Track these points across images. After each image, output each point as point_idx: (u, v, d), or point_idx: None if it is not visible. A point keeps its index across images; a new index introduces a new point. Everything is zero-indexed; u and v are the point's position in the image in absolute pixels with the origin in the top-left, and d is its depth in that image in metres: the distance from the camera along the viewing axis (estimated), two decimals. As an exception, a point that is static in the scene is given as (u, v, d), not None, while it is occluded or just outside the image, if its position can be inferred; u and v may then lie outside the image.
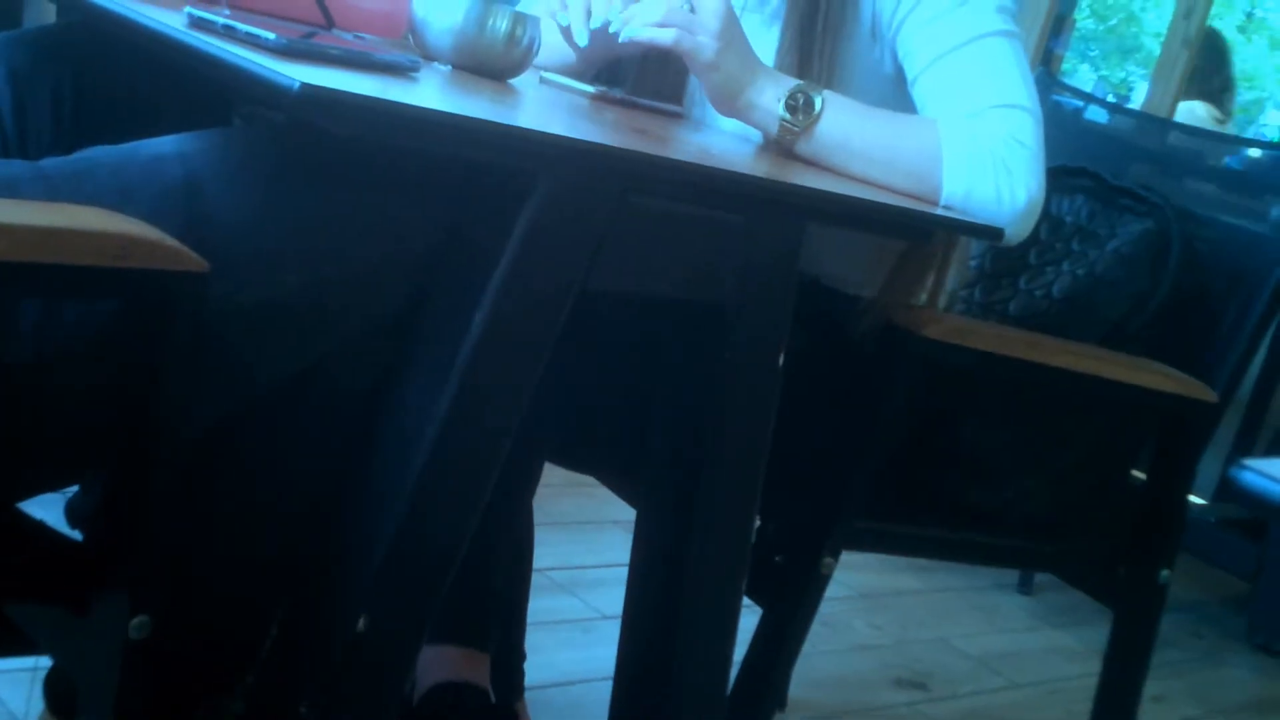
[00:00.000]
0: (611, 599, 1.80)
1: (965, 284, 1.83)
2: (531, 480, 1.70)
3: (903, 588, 2.84)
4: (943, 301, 1.73)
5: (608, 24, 1.40)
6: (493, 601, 1.70)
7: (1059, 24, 4.17)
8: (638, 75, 1.60)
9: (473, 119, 1.00)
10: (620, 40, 1.39)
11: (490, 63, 1.31)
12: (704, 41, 1.36)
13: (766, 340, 1.31)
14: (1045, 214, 1.65)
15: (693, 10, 1.36)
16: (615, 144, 1.14)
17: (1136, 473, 1.79)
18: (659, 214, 1.16)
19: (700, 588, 1.38)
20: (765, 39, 1.50)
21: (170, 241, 0.91)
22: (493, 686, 1.66)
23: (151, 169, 1.03)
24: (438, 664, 1.63)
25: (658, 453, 1.41)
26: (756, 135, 1.45)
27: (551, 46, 1.49)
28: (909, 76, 1.46)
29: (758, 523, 1.43)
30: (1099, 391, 1.61)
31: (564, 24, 1.43)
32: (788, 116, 1.38)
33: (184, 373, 0.96)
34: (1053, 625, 2.86)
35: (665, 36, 1.37)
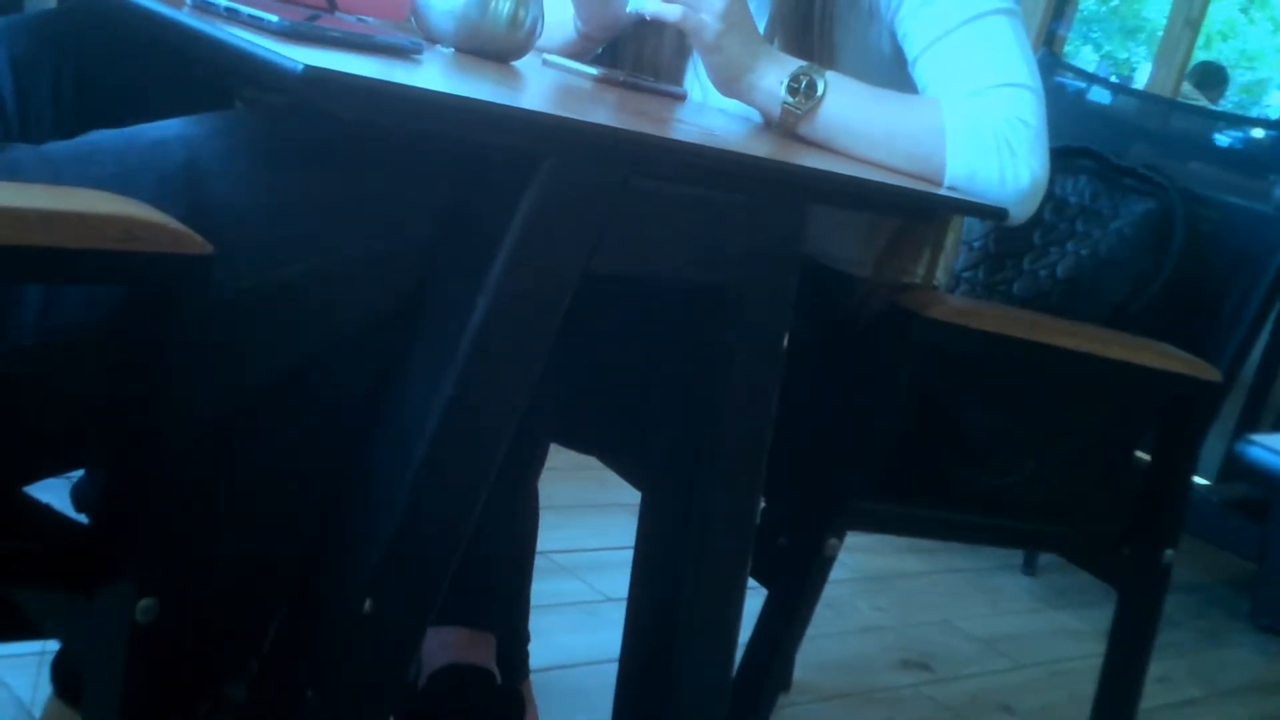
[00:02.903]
0: (616, 582, 1.80)
1: (969, 265, 1.83)
2: (536, 461, 1.70)
3: (907, 569, 2.84)
4: (946, 282, 1.72)
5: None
6: (497, 582, 1.70)
7: (1061, 5, 4.17)
8: (635, 54, 1.60)
9: (476, 100, 1.00)
10: (628, 9, 1.40)
11: (493, 45, 1.31)
12: (707, 20, 1.36)
13: (769, 322, 1.31)
14: (1049, 194, 1.65)
15: None
16: (618, 126, 1.14)
17: (1140, 454, 1.79)
18: (662, 196, 1.16)
19: (704, 570, 1.38)
20: (761, 21, 1.50)
21: (174, 224, 0.91)
22: (497, 668, 1.67)
23: (154, 153, 1.03)
24: (442, 646, 1.63)
25: (661, 435, 1.41)
26: (758, 115, 1.45)
27: (554, 27, 1.48)
28: (909, 57, 1.46)
29: (762, 504, 1.43)
30: (1103, 372, 1.61)
31: None
32: (790, 100, 1.38)
33: (187, 357, 0.96)
34: (1057, 606, 2.86)
35: (672, 12, 1.37)
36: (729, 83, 1.40)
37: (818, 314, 1.50)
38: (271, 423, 1.17)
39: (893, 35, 1.47)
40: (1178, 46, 4.15)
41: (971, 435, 1.64)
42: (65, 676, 1.38)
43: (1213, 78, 7.38)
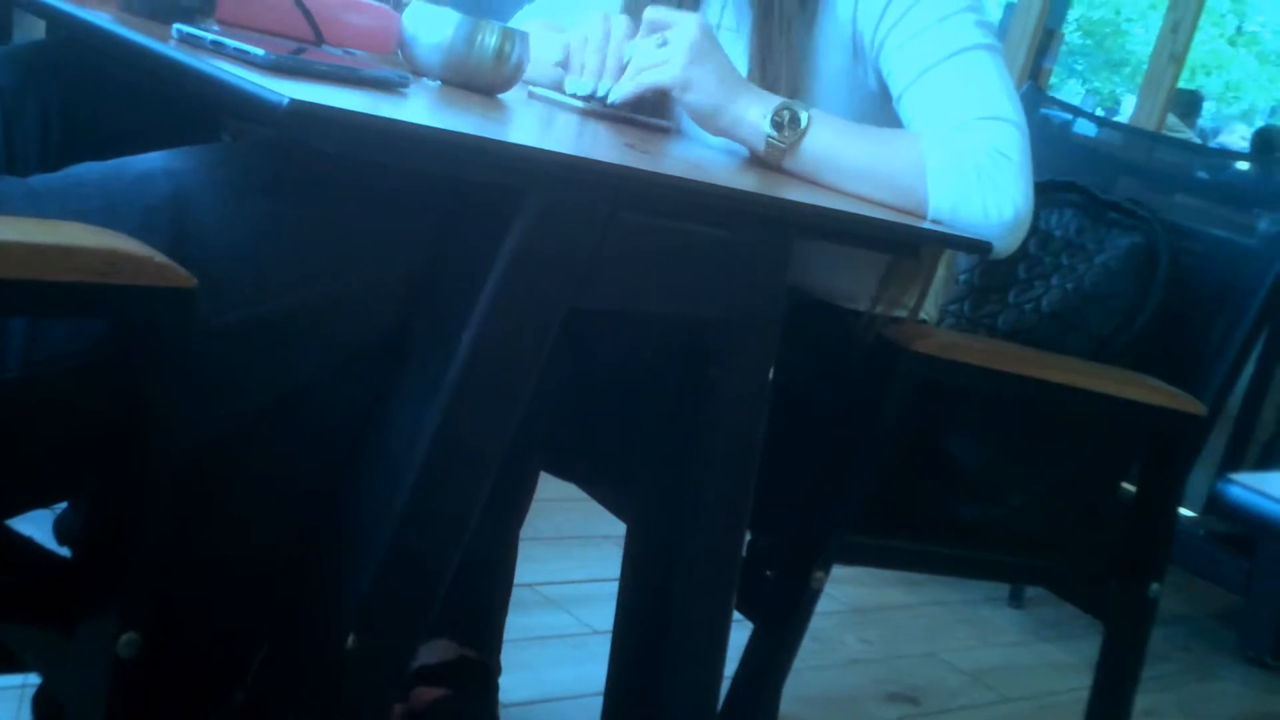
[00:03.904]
0: (602, 614, 1.79)
1: (954, 298, 1.83)
2: (525, 490, 1.70)
3: (893, 602, 2.84)
4: (934, 315, 1.73)
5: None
6: (481, 601, 1.69)
7: (1047, 39, 4.19)
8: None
9: (461, 134, 1.00)
10: (610, 100, 1.42)
11: (479, 78, 1.31)
12: (672, 74, 1.38)
13: (755, 355, 1.31)
14: (1034, 228, 1.65)
15: (665, 43, 1.39)
16: (605, 159, 1.14)
17: (1126, 486, 1.79)
18: (648, 230, 1.16)
19: (690, 602, 1.38)
20: (739, 59, 1.50)
21: (158, 257, 0.91)
22: (472, 694, 1.66)
23: (139, 185, 1.03)
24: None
25: (647, 467, 1.41)
26: (744, 150, 1.46)
27: (541, 63, 1.49)
28: (893, 94, 1.47)
29: (748, 537, 1.43)
30: (1088, 405, 1.61)
31: (583, 93, 1.44)
32: (773, 134, 1.39)
33: (171, 390, 0.96)
34: (1043, 639, 2.86)
35: (626, 90, 1.40)
36: (710, 120, 1.41)
37: (814, 348, 1.50)
38: (258, 452, 1.17)
39: (878, 73, 1.48)
40: (1162, 80, 4.17)
41: (958, 468, 1.64)
42: (47, 710, 1.37)
43: (1188, 105, 7.52)
